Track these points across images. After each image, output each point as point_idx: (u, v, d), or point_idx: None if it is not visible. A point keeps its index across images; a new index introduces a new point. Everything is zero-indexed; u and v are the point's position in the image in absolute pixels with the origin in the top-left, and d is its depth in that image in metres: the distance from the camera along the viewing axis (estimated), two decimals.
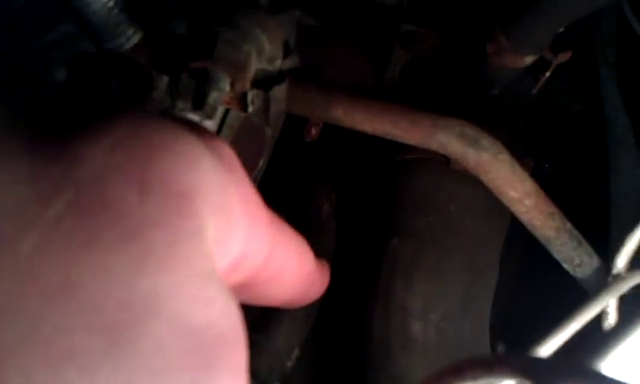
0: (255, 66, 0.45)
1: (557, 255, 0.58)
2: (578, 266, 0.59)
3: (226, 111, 0.54)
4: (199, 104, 0.43)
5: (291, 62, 0.48)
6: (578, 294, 0.64)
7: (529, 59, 0.57)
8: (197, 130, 0.32)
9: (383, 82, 0.74)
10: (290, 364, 0.65)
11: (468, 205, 0.63)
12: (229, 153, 0.36)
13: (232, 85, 0.44)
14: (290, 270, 0.46)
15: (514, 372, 0.25)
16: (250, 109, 0.47)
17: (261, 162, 0.67)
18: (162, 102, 0.51)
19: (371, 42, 0.73)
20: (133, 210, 0.25)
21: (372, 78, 0.77)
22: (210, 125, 0.50)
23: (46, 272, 0.23)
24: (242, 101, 0.47)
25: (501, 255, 0.67)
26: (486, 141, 0.49)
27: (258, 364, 0.61)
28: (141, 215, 0.25)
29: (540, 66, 0.59)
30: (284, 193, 0.76)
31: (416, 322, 0.62)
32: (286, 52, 0.48)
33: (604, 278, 0.60)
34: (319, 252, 0.67)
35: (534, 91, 0.60)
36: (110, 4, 0.44)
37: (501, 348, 0.67)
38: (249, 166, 0.65)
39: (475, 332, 0.63)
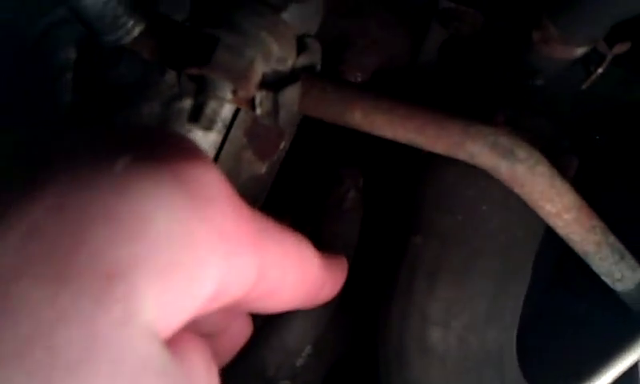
0: (262, 69, 0.39)
1: (595, 269, 0.53)
2: (619, 280, 0.54)
3: (237, 110, 0.50)
4: (196, 115, 0.39)
5: (306, 59, 0.42)
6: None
7: (580, 51, 0.51)
8: (169, 158, 0.28)
9: (418, 60, 0.68)
10: (300, 362, 0.62)
11: (500, 203, 0.58)
12: (208, 180, 0.31)
13: (234, 92, 0.39)
14: (289, 283, 0.42)
15: None
16: (259, 111, 0.42)
17: (282, 144, 0.63)
18: (171, 93, 0.47)
19: (407, 16, 0.66)
20: (41, 308, 0.21)
21: (407, 53, 0.71)
22: (211, 137, 0.46)
23: None
24: (250, 101, 0.42)
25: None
26: (523, 151, 0.43)
27: (266, 361, 0.58)
28: (51, 313, 0.21)
29: (593, 57, 0.52)
30: (307, 177, 0.72)
31: (436, 329, 0.58)
32: (301, 47, 0.42)
33: None
34: (339, 245, 0.63)
35: (585, 86, 0.53)
36: None
37: None
38: (268, 149, 0.61)
39: (500, 343, 0.59)
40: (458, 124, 0.42)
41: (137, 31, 0.42)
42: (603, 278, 0.53)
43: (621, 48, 0.49)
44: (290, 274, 0.41)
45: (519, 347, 0.63)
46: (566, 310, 0.78)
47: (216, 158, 0.51)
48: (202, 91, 0.39)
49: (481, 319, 0.58)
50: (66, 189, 0.24)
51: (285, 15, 0.44)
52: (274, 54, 0.39)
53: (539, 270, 0.67)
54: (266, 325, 0.56)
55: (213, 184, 0.32)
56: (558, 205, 0.45)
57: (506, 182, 0.44)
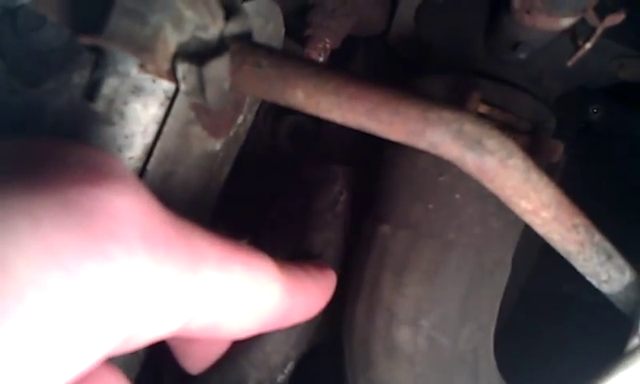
0: (174, 38, 0.33)
1: (579, 269, 0.47)
2: (605, 281, 0.48)
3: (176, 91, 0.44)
4: (91, 94, 0.32)
5: (236, 26, 0.36)
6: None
7: (566, 21, 0.44)
8: (56, 189, 0.25)
9: (392, 26, 0.61)
10: (281, 379, 0.56)
11: (476, 192, 0.52)
12: (114, 207, 0.26)
13: (141, 66, 0.32)
14: (238, 312, 0.36)
15: None
16: (183, 86, 0.35)
17: (239, 119, 0.57)
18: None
19: None
20: None
21: (380, 19, 0.64)
22: (151, 111, 0.40)
23: None
24: (171, 74, 0.36)
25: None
26: (492, 141, 0.37)
27: (245, 374, 0.53)
28: None
29: (582, 30, 0.45)
30: (295, 176, 0.66)
31: (404, 328, 0.52)
32: (231, 12, 0.36)
33: (637, 295, 0.49)
34: (330, 254, 0.57)
35: (571, 63, 0.46)
36: None
37: None
38: (221, 124, 0.55)
39: (474, 344, 0.53)
40: (416, 108, 0.36)
41: None
42: (588, 278, 0.47)
43: (613, 20, 0.42)
44: (237, 303, 0.36)
45: (502, 337, 0.58)
46: (552, 290, 0.73)
47: (158, 134, 0.45)
48: (100, 65, 0.32)
49: (453, 318, 0.52)
50: None
51: None
52: (187, 19, 0.32)
53: (524, 255, 0.62)
54: (247, 339, 0.51)
55: (121, 211, 0.27)
56: (534, 201, 0.39)
57: (473, 175, 0.38)
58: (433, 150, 0.38)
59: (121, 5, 0.30)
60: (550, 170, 0.52)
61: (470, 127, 0.37)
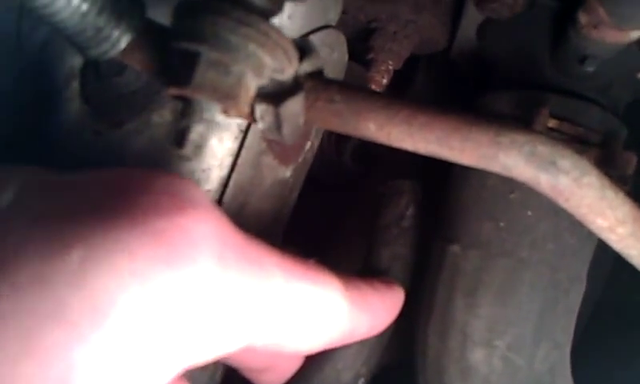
0: (254, 84, 0.34)
1: None
2: None
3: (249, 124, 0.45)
4: (179, 141, 0.34)
5: (310, 65, 0.37)
6: None
7: (635, 34, 0.43)
8: (137, 225, 0.28)
9: (454, 45, 0.62)
10: None
11: (547, 208, 0.51)
12: (195, 235, 0.30)
13: (225, 112, 0.34)
14: (303, 329, 0.38)
15: None
16: (261, 125, 0.37)
17: (307, 145, 0.58)
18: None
19: None
20: None
21: (441, 38, 0.64)
22: (226, 145, 0.42)
23: None
24: (250, 114, 0.37)
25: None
26: (566, 161, 0.37)
27: None
28: None
29: None
30: (361, 193, 0.66)
31: (478, 349, 0.52)
32: (305, 52, 0.37)
33: None
34: (397, 269, 0.57)
35: None
36: (84, 8, 0.35)
37: None
38: (291, 152, 0.56)
39: (551, 363, 0.53)
40: (487, 132, 0.36)
41: (123, 43, 0.37)
42: None
43: None
44: (302, 318, 0.37)
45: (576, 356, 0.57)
46: (629, 300, 0.71)
47: (233, 167, 0.47)
48: (187, 113, 0.34)
49: (528, 338, 0.52)
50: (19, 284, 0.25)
51: (279, 19, 0.39)
52: (266, 66, 0.34)
53: (599, 267, 0.60)
54: (318, 355, 0.52)
55: (202, 239, 0.30)
56: (610, 218, 0.38)
57: (548, 195, 0.38)
58: (506, 173, 0.38)
59: (206, 57, 0.31)
60: (621, 180, 0.52)
61: (543, 148, 0.37)
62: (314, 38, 0.49)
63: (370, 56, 0.63)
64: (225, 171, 0.47)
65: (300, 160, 0.57)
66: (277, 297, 0.35)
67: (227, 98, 0.32)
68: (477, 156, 0.37)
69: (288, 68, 0.35)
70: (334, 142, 0.77)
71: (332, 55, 0.53)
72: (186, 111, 0.34)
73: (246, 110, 0.34)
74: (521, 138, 0.37)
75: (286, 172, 0.55)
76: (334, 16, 0.53)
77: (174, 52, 0.32)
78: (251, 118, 0.35)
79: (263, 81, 0.34)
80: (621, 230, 0.41)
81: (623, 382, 0.66)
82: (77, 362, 0.24)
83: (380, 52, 0.63)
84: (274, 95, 0.35)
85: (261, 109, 0.36)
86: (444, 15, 0.62)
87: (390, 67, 0.63)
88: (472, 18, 0.57)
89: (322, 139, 0.75)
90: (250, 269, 0.33)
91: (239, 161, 0.47)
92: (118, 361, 0.26)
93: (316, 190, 0.67)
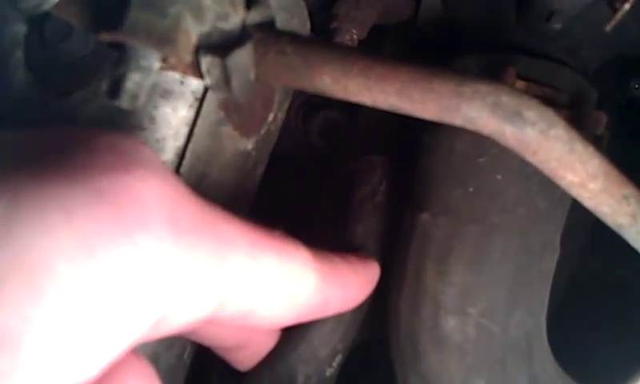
0: (195, 29, 0.32)
1: (632, 243, 0.45)
2: None
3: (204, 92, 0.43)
4: (114, 91, 0.32)
5: (258, 15, 0.35)
6: None
7: None
8: (82, 178, 0.26)
9: (419, 11, 0.60)
10: (330, 372, 0.55)
11: (518, 171, 0.50)
12: (142, 194, 0.27)
13: (164, 60, 0.32)
14: (270, 301, 0.36)
15: None
16: (208, 80, 0.35)
17: (270, 116, 0.56)
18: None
19: None
20: None
21: (407, 4, 0.63)
22: (181, 113, 0.40)
23: None
24: (194, 68, 0.35)
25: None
26: (532, 112, 0.35)
27: (295, 371, 0.52)
28: None
29: None
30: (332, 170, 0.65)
31: (451, 317, 0.51)
32: (252, 1, 0.35)
33: None
34: (371, 244, 0.56)
35: (609, 27, 0.44)
36: None
37: None
38: (252, 123, 0.54)
39: (526, 329, 0.51)
40: (449, 83, 0.34)
41: None
42: None
43: None
44: (269, 290, 0.36)
45: (554, 326, 0.56)
46: (604, 277, 0.71)
47: (189, 136, 0.45)
48: (122, 61, 0.32)
49: (501, 304, 0.51)
50: None
51: None
52: (207, 9, 0.31)
53: (573, 238, 0.59)
54: (294, 332, 0.50)
55: (149, 198, 0.27)
56: (580, 173, 0.37)
57: (514, 149, 0.36)
58: (470, 126, 0.36)
59: None
60: (595, 144, 0.50)
61: (508, 99, 0.35)
62: (271, 1, 0.47)
63: (334, 25, 0.61)
64: (180, 141, 0.45)
65: (262, 132, 0.55)
66: (239, 266, 0.33)
67: (164, 43, 0.30)
68: (438, 108, 0.35)
69: (232, 14, 0.33)
70: (301, 119, 0.75)
71: (291, 21, 0.51)
72: (121, 59, 0.32)
73: (188, 58, 0.32)
74: (484, 87, 0.35)
75: (248, 144, 0.53)
76: None
77: None
78: (196, 72, 0.33)
79: (205, 27, 0.32)
80: (592, 186, 0.40)
81: (604, 355, 0.65)
82: (21, 344, 0.23)
83: (344, 20, 0.61)
84: (220, 46, 0.33)
85: (206, 61, 0.33)
86: None
87: (355, 36, 0.61)
88: None
89: (289, 117, 0.74)
90: (208, 236, 0.31)
91: (195, 130, 0.45)
92: (61, 339, 0.24)
93: (289, 167, 0.65)
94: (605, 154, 0.52)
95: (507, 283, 0.50)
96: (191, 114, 0.45)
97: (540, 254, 0.51)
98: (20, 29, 0.47)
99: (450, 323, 0.51)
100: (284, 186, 0.69)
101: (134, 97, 0.32)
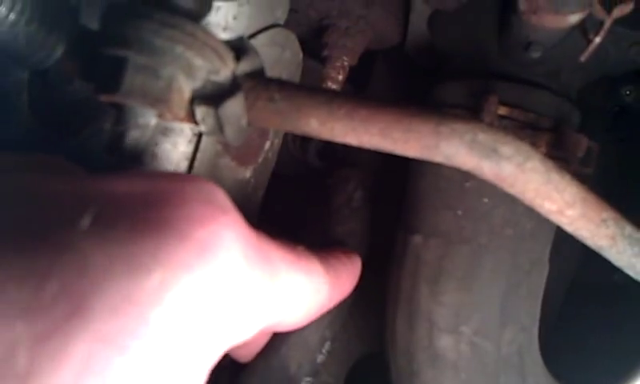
0: (188, 87, 0.34)
1: (614, 262, 0.47)
2: None
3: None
4: (113, 147, 0.34)
5: (247, 65, 0.37)
6: None
7: (574, 18, 0.44)
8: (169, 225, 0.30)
9: (407, 38, 0.62)
10: (321, 359, 0.60)
11: (504, 194, 0.51)
12: (220, 236, 0.32)
13: (160, 116, 0.34)
14: (299, 307, 0.43)
15: None
16: (203, 128, 0.37)
17: (267, 144, 0.58)
18: None
19: None
20: None
21: (394, 32, 0.65)
22: (181, 148, 0.43)
23: None
24: (191, 117, 0.37)
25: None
26: (507, 147, 0.37)
27: (287, 359, 0.56)
28: None
29: (591, 23, 0.45)
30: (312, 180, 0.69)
31: (445, 336, 0.53)
32: (241, 52, 0.37)
33: None
34: (353, 243, 0.61)
35: (583, 58, 0.46)
36: (12, 17, 0.35)
37: None
38: (249, 153, 0.56)
39: (518, 345, 0.53)
40: (429, 123, 0.36)
41: (59, 51, 0.37)
42: (625, 271, 0.47)
43: (621, 10, 0.42)
44: (296, 302, 0.42)
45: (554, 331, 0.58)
46: (602, 281, 0.72)
47: (189, 170, 0.47)
48: (121, 120, 0.34)
49: (493, 322, 0.52)
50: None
51: (224, 20, 0.39)
52: (198, 67, 0.34)
53: (572, 243, 0.61)
54: None
55: (231, 240, 0.33)
56: (558, 201, 0.39)
57: (493, 182, 0.38)
58: (449, 163, 0.38)
59: (134, 62, 0.31)
60: (585, 162, 0.52)
61: (484, 136, 0.37)
62: (263, 37, 0.49)
63: (325, 53, 0.63)
64: None
65: (260, 160, 0.57)
66: (280, 286, 0.39)
67: (158, 102, 0.32)
68: (419, 146, 0.37)
69: (223, 68, 0.35)
70: (299, 141, 0.77)
71: (283, 54, 0.54)
72: (120, 118, 0.34)
73: (182, 113, 0.34)
74: (461, 126, 0.37)
75: (246, 172, 0.55)
76: (281, 14, 0.53)
77: (103, 58, 0.33)
78: (192, 121, 0.35)
79: (197, 83, 0.34)
80: (570, 212, 0.41)
81: (602, 359, 0.66)
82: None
83: (334, 48, 0.63)
84: (213, 97, 0.35)
85: (201, 111, 0.36)
86: (395, 9, 0.62)
87: (345, 63, 0.63)
88: (421, 10, 0.58)
89: (287, 139, 0.76)
90: (265, 264, 0.37)
91: (195, 164, 0.48)
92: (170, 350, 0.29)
93: (278, 183, 0.70)
94: (597, 167, 0.54)
95: (498, 301, 0.52)
96: (190, 148, 0.47)
97: (529, 271, 0.53)
98: (23, 74, 0.49)
99: (444, 342, 0.53)
100: (282, 203, 0.73)
101: (135, 150, 0.35)
